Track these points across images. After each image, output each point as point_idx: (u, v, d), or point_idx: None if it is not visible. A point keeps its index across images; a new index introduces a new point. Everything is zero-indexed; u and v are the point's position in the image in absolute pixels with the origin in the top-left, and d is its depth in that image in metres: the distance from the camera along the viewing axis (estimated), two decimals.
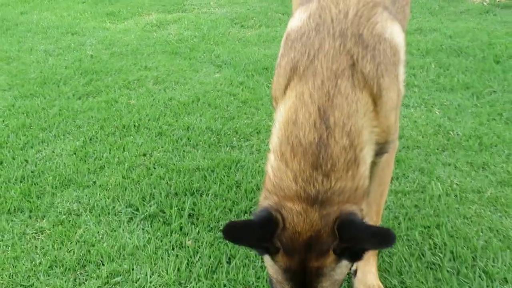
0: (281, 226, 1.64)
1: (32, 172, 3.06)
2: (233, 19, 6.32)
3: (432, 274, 2.31)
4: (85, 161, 3.18)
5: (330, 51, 1.79)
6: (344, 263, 1.71)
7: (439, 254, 2.41)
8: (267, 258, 1.75)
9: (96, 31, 5.84)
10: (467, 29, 5.72)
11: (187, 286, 2.25)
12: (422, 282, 2.26)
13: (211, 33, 5.72)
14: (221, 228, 2.52)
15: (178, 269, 2.33)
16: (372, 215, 2.22)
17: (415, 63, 4.82)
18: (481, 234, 2.54)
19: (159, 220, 2.65)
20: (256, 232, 1.66)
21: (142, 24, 6.15)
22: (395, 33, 1.93)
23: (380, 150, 1.89)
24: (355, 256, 1.71)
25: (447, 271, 2.31)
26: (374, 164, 1.98)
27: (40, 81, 4.38)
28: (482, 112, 3.81)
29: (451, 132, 3.53)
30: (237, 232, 1.64)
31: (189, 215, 2.69)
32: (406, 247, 2.47)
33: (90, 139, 3.43)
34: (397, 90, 1.91)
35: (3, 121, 3.70)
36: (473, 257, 2.39)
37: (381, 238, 1.58)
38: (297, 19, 2.01)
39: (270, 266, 1.75)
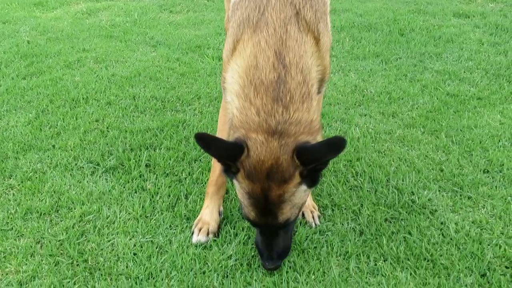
0: (246, 153, 1.89)
1: None
2: (161, 5, 6.61)
3: (355, 193, 2.82)
4: (41, 129, 3.42)
5: (277, 3, 2.06)
6: (303, 188, 1.99)
7: (360, 179, 2.93)
8: (236, 184, 2.01)
9: (27, 20, 5.94)
10: (375, 8, 6.38)
11: (152, 218, 2.61)
12: (347, 200, 2.76)
13: (142, 18, 6.00)
14: (176, 173, 2.93)
15: (143, 206, 2.69)
16: None
17: (332, 38, 5.37)
18: (392, 163, 3.09)
19: (120, 171, 2.98)
20: (223, 148, 1.93)
21: (72, 13, 6.30)
22: None
23: (320, 88, 2.21)
24: (313, 179, 1.99)
25: (367, 190, 2.83)
26: None
27: None
28: (390, 74, 4.41)
29: (365, 90, 4.09)
30: (207, 141, 1.90)
31: (146, 165, 3.04)
32: (333, 176, 2.96)
33: (42, 111, 3.66)
34: (329, 35, 2.28)
35: None
36: (387, 179, 2.92)
37: (335, 144, 1.83)
38: None
39: (238, 190, 2.03)
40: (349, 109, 3.79)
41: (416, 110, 3.75)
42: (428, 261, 2.33)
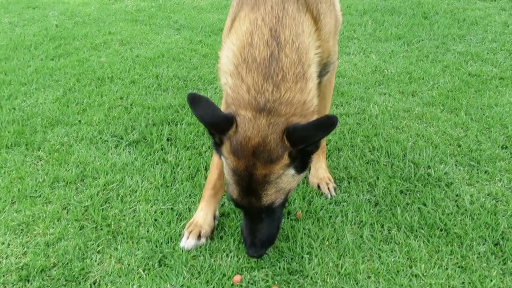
0: (234, 128, 1.84)
1: (21, 116, 3.41)
2: None
3: (372, 167, 2.86)
4: (68, 106, 3.55)
5: None
6: (291, 172, 1.91)
7: (377, 153, 2.97)
8: (223, 161, 1.96)
9: (56, 5, 6.10)
10: None
11: (172, 187, 2.70)
12: (364, 173, 2.80)
13: (167, 3, 6.10)
14: (197, 147, 3.01)
15: (164, 177, 2.78)
16: None
17: (354, 21, 5.39)
18: (410, 138, 3.12)
19: (142, 145, 3.08)
20: (211, 115, 1.85)
21: None
22: None
23: (323, 69, 2.19)
24: (302, 163, 1.93)
25: (384, 164, 2.87)
26: (319, 83, 2.28)
27: (12, 47, 4.66)
28: (412, 55, 4.41)
29: (385, 70, 4.11)
30: (197, 101, 1.85)
31: (168, 139, 3.13)
32: (350, 150, 3.00)
33: (69, 89, 3.79)
34: (334, 17, 2.23)
35: None
36: (403, 154, 2.95)
37: (325, 123, 1.80)
38: None
39: (225, 168, 1.98)
40: (368, 88, 3.81)
41: (436, 89, 3.75)
42: (441, 230, 2.37)
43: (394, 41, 4.76)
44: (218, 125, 1.87)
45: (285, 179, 1.92)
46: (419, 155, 2.93)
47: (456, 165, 2.83)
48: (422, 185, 2.68)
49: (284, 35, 1.92)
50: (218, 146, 1.94)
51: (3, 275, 2.17)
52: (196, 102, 1.86)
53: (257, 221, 2.03)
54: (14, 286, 2.12)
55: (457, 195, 2.59)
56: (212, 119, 1.86)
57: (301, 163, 1.93)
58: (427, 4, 5.79)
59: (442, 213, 2.46)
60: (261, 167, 1.86)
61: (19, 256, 2.28)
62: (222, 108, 2.25)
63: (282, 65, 1.89)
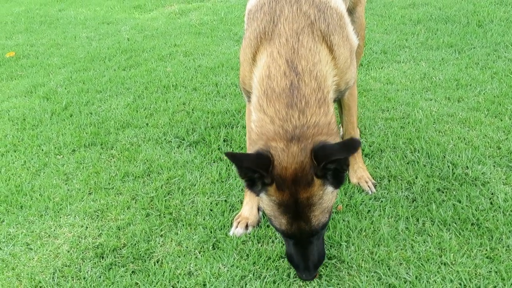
0: (272, 162, 1.86)
1: (97, 120, 3.86)
2: (246, 4, 7.07)
3: (411, 166, 3.04)
4: (137, 111, 3.97)
5: (289, 15, 2.10)
6: (330, 190, 1.96)
7: (417, 154, 3.15)
8: (262, 199, 1.99)
9: (128, 20, 6.66)
10: (455, 1, 6.40)
11: (227, 182, 3.01)
12: (403, 172, 2.99)
13: (228, 17, 6.50)
14: None
15: (219, 173, 3.10)
16: (350, 130, 2.88)
17: (407, 30, 5.54)
18: (451, 141, 3.27)
19: (201, 145, 3.43)
20: (253, 160, 1.89)
21: (166, 13, 6.95)
22: (338, 2, 2.32)
23: (341, 94, 2.28)
24: (337, 179, 1.96)
25: (423, 164, 3.05)
26: (341, 98, 2.45)
27: (89, 59, 5.19)
28: (461, 62, 4.52)
29: (434, 77, 4.25)
30: (239, 157, 1.94)
31: (224, 140, 3.46)
32: (392, 151, 3.20)
33: (138, 96, 4.22)
34: (349, 47, 2.27)
35: (65, 88, 4.52)
36: (443, 155, 3.12)
37: (349, 144, 1.86)
38: None
39: (266, 204, 1.99)
40: (415, 94, 3.98)
41: (482, 95, 3.86)
42: (473, 224, 2.53)
43: (445, 49, 4.87)
44: (265, 166, 1.87)
45: (326, 198, 1.97)
46: (459, 156, 3.08)
47: (494, 166, 2.97)
48: (458, 183, 2.84)
49: (301, 65, 1.99)
50: (265, 185, 1.94)
51: (82, 252, 2.55)
52: (239, 158, 1.93)
53: (306, 246, 2.07)
54: (91, 261, 2.49)
55: (492, 194, 2.74)
56: (259, 163, 1.88)
57: (335, 179, 1.97)
58: (482, 12, 5.83)
59: (476, 209, 2.62)
60: (302, 191, 1.90)
61: (95, 237, 2.66)
62: (248, 146, 2.40)
63: (304, 93, 1.95)
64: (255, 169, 1.88)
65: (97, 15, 7.04)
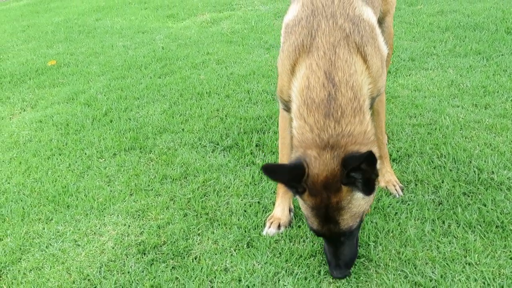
0: (307, 171, 2.02)
1: (135, 125, 4.07)
2: (275, 13, 7.25)
3: (438, 171, 3.15)
4: (173, 117, 4.16)
5: (326, 29, 2.24)
6: (359, 196, 2.09)
7: (444, 159, 3.25)
8: (299, 200, 2.16)
9: (162, 29, 6.90)
10: (483, 8, 6.44)
11: (259, 185, 3.17)
12: (430, 176, 3.10)
13: (258, 25, 6.68)
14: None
15: (252, 176, 3.26)
16: (378, 135, 2.95)
17: (435, 37, 5.62)
18: (477, 147, 3.36)
19: (235, 149, 3.59)
20: (288, 173, 2.07)
21: (198, 22, 7.17)
22: (370, 15, 2.46)
23: (373, 101, 2.41)
24: (367, 186, 2.08)
25: (449, 169, 3.15)
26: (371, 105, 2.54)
27: (126, 67, 5.44)
28: (489, 69, 4.58)
29: (461, 84, 4.34)
30: (272, 170, 2.08)
31: (256, 145, 3.62)
32: (419, 157, 3.31)
33: (174, 103, 4.42)
34: (380, 57, 2.40)
35: (104, 95, 4.76)
36: (469, 161, 3.21)
37: (369, 156, 1.96)
38: (292, 12, 2.49)
39: (302, 205, 2.19)
40: (442, 101, 4.07)
41: (510, 102, 3.93)
42: (497, 227, 2.63)
43: (473, 56, 4.94)
44: (296, 177, 2.06)
45: (356, 203, 2.10)
46: (484, 161, 3.17)
47: None
48: (484, 188, 2.93)
49: (338, 76, 2.13)
50: (301, 194, 2.12)
51: (126, 248, 2.74)
52: (271, 171, 2.08)
53: (338, 245, 2.23)
54: (134, 257, 2.68)
55: None
56: (289, 176, 2.07)
57: (365, 186, 2.09)
58: (511, 19, 5.86)
59: (501, 213, 2.71)
60: (333, 196, 2.05)
61: (137, 235, 2.85)
62: (283, 129, 2.66)
63: (340, 103, 2.09)
64: (287, 183, 2.09)
65: (132, 24, 7.31)
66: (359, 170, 2.02)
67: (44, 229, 2.99)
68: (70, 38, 6.95)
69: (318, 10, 2.33)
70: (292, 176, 2.06)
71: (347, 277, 2.40)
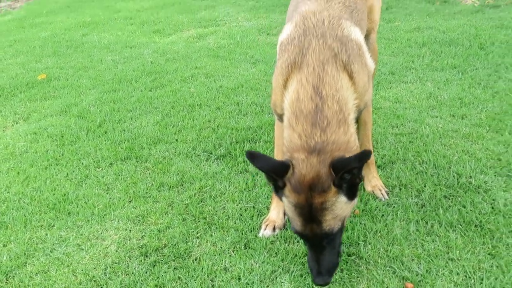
0: (291, 171, 2.17)
1: (130, 136, 4.21)
2: (259, 29, 7.48)
3: (420, 176, 3.37)
4: (166, 128, 4.32)
5: (316, 47, 2.40)
6: (343, 199, 2.20)
7: (425, 166, 3.47)
8: (284, 200, 2.26)
9: (149, 44, 7.06)
10: (458, 25, 6.77)
11: (253, 191, 3.34)
12: (413, 181, 3.32)
13: (244, 41, 6.89)
14: None
15: (246, 183, 3.43)
16: (365, 143, 3.19)
17: (413, 52, 5.90)
18: (456, 153, 3.60)
19: (228, 158, 3.76)
20: (271, 165, 2.20)
21: (185, 37, 7.35)
22: (357, 34, 2.63)
23: (360, 113, 2.57)
24: (351, 191, 2.21)
25: (431, 174, 3.37)
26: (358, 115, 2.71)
27: (116, 80, 5.58)
28: (465, 83, 4.86)
29: (439, 96, 4.60)
30: (255, 156, 2.19)
31: None
32: (402, 163, 3.53)
33: (166, 115, 4.58)
34: (367, 72, 2.56)
35: (97, 107, 4.89)
36: (448, 166, 3.44)
37: (362, 155, 2.11)
38: (286, 31, 2.66)
39: (286, 206, 2.28)
40: (422, 112, 4.32)
41: (484, 112, 4.19)
42: (476, 226, 2.84)
43: (450, 70, 5.22)
44: (278, 171, 2.19)
45: (339, 206, 2.22)
46: (463, 167, 3.40)
47: (495, 175, 3.29)
48: (463, 191, 3.16)
49: (325, 90, 2.28)
50: (280, 189, 2.25)
51: (128, 251, 2.88)
52: (254, 157, 2.20)
53: (320, 250, 2.30)
54: (137, 259, 2.82)
55: (493, 200, 3.05)
56: (271, 167, 2.20)
57: (349, 190, 2.22)
58: (483, 36, 6.19)
59: (479, 213, 2.94)
60: (317, 197, 2.16)
61: (139, 238, 2.99)
62: (277, 137, 2.85)
63: (326, 114, 2.24)
64: (267, 171, 2.21)
65: (119, 39, 7.46)
66: (350, 171, 2.14)
67: (47, 234, 3.10)
68: (58, 52, 7.06)
69: (309, 30, 2.50)
70: (274, 169, 2.19)
71: (340, 273, 2.58)
